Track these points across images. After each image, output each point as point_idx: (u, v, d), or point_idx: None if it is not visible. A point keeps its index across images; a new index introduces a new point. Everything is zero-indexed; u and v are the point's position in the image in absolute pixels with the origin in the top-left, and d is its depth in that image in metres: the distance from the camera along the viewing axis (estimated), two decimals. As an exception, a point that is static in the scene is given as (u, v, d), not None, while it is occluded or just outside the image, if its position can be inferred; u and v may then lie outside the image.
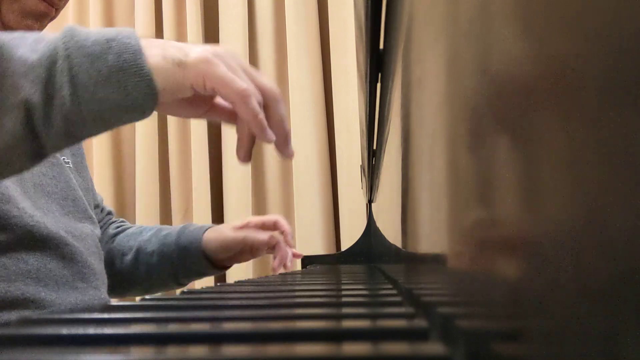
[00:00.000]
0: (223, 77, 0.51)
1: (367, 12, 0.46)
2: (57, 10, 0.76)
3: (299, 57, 1.68)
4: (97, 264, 0.80)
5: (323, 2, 1.72)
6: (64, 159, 0.84)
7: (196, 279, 1.04)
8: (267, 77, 0.56)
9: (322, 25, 1.72)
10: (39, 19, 0.75)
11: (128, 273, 0.95)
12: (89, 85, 0.48)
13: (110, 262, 0.94)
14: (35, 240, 0.70)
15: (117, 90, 0.49)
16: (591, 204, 0.10)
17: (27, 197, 0.72)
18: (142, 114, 0.51)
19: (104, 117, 0.50)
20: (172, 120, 1.80)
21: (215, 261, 0.92)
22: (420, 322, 0.24)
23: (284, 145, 0.58)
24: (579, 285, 0.11)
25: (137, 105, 0.50)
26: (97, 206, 0.97)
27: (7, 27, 0.74)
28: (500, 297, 0.16)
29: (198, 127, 1.74)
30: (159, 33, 1.84)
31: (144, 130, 1.80)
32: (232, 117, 0.60)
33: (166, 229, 0.97)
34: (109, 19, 1.90)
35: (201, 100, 0.57)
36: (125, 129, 1.88)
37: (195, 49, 0.52)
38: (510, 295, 0.15)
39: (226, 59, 0.53)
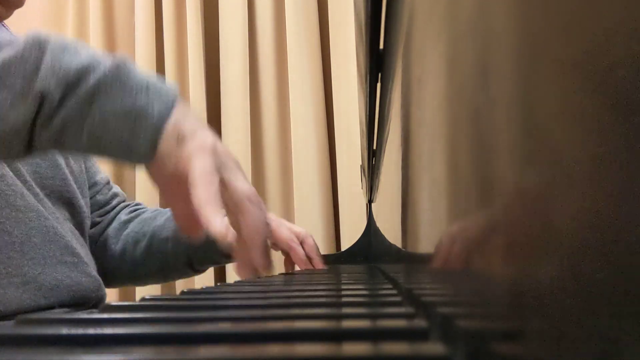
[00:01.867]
0: (197, 175, 0.49)
1: (367, 12, 0.46)
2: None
3: (299, 57, 1.68)
4: (80, 248, 0.79)
5: (323, 2, 1.72)
6: None
7: (211, 266, 1.01)
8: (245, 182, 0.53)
9: (322, 26, 1.72)
10: (11, 8, 0.75)
11: (142, 261, 0.91)
12: (105, 111, 0.49)
13: (122, 250, 0.91)
14: (15, 210, 0.70)
15: (127, 129, 0.49)
16: (591, 203, 0.10)
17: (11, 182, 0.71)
18: (133, 159, 0.51)
19: (99, 144, 0.50)
20: (172, 120, 1.79)
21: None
22: (420, 322, 0.24)
23: (256, 259, 0.53)
24: (579, 285, 0.11)
25: (135, 151, 0.50)
26: (94, 184, 0.94)
27: None
28: (500, 297, 0.16)
29: (198, 127, 1.74)
30: (159, 33, 1.84)
31: (144, 130, 1.79)
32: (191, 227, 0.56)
33: None
34: (109, 19, 1.90)
35: (182, 193, 0.52)
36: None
37: (203, 133, 0.52)
38: (510, 295, 0.15)
39: (220, 157, 0.51)
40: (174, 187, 0.53)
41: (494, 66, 0.16)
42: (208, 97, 1.78)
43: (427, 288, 0.32)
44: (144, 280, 0.98)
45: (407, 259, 0.43)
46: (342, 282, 0.57)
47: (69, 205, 0.81)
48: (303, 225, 1.64)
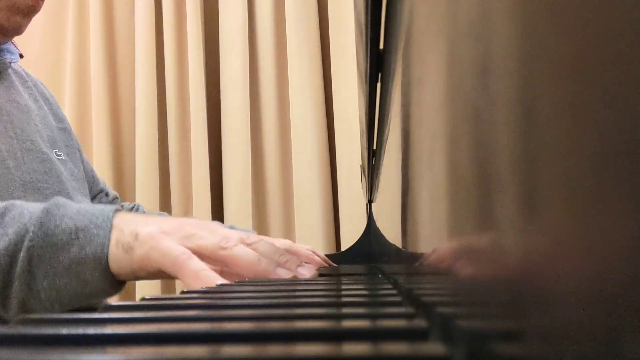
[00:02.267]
0: (163, 252, 0.53)
1: (367, 12, 0.46)
2: (42, 3, 0.77)
3: (299, 57, 1.68)
4: None
5: (323, 2, 1.72)
6: (55, 151, 0.84)
7: None
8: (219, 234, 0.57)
9: (322, 25, 1.72)
10: (27, 15, 0.77)
11: None
12: (48, 276, 0.52)
13: None
14: None
15: (76, 280, 0.52)
16: (591, 203, 0.10)
17: (13, 198, 0.72)
18: (105, 295, 0.54)
19: (62, 302, 0.53)
20: (172, 120, 1.80)
21: None
22: (420, 322, 0.24)
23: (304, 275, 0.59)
24: (579, 285, 0.11)
25: (96, 292, 0.54)
26: (101, 191, 0.99)
27: None
28: (500, 297, 0.16)
29: (198, 127, 1.74)
30: (159, 33, 1.84)
31: (144, 130, 1.80)
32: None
33: None
34: (109, 19, 1.90)
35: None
36: (125, 129, 1.88)
37: (147, 228, 0.54)
38: (510, 295, 0.15)
39: (180, 231, 0.55)
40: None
41: (494, 66, 0.16)
42: (208, 97, 1.78)
43: (427, 288, 0.32)
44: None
45: (407, 259, 0.43)
46: (342, 282, 0.57)
47: None
48: (303, 225, 1.64)
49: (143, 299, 0.36)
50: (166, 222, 0.56)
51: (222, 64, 1.77)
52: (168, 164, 1.81)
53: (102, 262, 0.52)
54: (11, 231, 0.52)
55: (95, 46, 1.85)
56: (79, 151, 0.94)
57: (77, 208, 0.55)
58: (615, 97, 0.09)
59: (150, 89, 1.81)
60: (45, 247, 0.52)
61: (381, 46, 0.54)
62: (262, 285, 0.51)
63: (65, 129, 0.92)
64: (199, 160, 1.73)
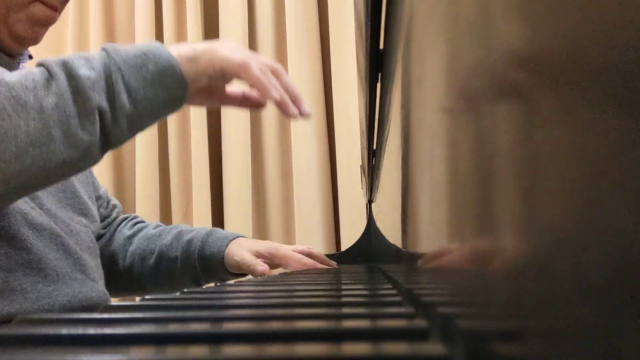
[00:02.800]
0: (225, 57, 0.67)
1: (367, 12, 0.46)
2: (59, 14, 0.79)
3: (299, 57, 1.68)
4: (91, 260, 0.81)
5: (323, 2, 1.72)
6: None
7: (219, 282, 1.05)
8: (265, 56, 0.73)
9: (322, 25, 1.72)
10: (45, 25, 0.79)
11: (149, 277, 0.97)
12: (139, 89, 0.64)
13: (130, 267, 0.97)
14: (32, 228, 0.71)
15: (161, 89, 0.65)
16: (591, 203, 0.10)
17: None
18: (180, 104, 0.68)
19: (154, 111, 0.66)
20: (172, 121, 1.80)
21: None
22: (420, 322, 0.24)
23: (292, 104, 0.73)
24: (579, 285, 0.11)
25: (177, 97, 0.66)
26: (99, 198, 0.98)
27: (15, 35, 0.78)
28: (500, 297, 0.16)
29: (198, 127, 1.74)
30: (159, 33, 1.84)
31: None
32: (242, 101, 0.78)
33: (187, 232, 0.98)
34: (109, 19, 1.90)
35: (216, 90, 0.75)
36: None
37: (200, 45, 0.69)
38: (510, 295, 0.15)
39: (228, 45, 0.69)
40: (213, 91, 0.74)
41: (493, 66, 0.16)
42: (208, 97, 1.78)
43: (427, 288, 0.32)
44: (146, 292, 1.03)
45: (407, 259, 0.43)
46: (342, 282, 0.57)
47: (84, 215, 0.83)
48: (303, 225, 1.64)
49: (143, 299, 0.36)
50: (204, 43, 0.70)
51: (222, 64, 1.77)
52: (168, 164, 1.81)
53: (177, 69, 0.65)
54: (96, 63, 0.63)
55: (95, 46, 1.85)
56: None
57: (126, 45, 0.67)
58: (615, 94, 0.09)
59: (150, 89, 1.80)
60: (129, 69, 0.63)
61: (381, 46, 0.54)
62: (262, 285, 0.51)
63: None
64: (199, 160, 1.73)
